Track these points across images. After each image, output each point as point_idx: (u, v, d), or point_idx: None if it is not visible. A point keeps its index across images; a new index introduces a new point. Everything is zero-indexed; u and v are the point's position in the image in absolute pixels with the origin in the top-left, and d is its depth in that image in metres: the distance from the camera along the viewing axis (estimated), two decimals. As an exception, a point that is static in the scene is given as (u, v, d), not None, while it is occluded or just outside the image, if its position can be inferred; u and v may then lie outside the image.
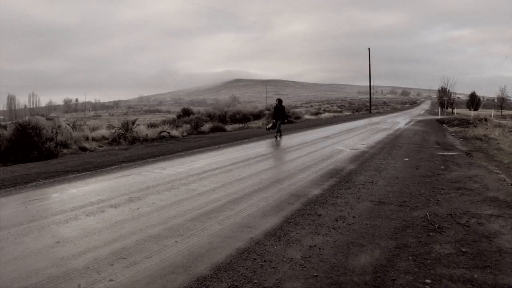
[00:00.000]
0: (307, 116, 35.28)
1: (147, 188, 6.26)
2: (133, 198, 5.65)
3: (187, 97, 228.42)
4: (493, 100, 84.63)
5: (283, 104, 14.91)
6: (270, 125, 15.34)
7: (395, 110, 70.59)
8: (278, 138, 14.10)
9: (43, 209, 5.15)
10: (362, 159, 9.31)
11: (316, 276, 3.24)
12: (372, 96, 59.45)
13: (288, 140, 14.27)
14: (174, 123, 21.09)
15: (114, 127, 15.96)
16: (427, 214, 4.91)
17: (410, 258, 3.60)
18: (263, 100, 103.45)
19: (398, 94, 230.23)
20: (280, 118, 14.39)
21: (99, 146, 12.77)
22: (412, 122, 26.66)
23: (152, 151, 11.11)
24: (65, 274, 3.22)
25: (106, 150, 12.07)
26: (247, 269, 3.35)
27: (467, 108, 66.04)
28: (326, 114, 42.99)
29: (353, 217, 4.79)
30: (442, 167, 8.37)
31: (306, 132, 18.21)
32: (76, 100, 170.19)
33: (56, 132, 11.63)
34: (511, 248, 3.81)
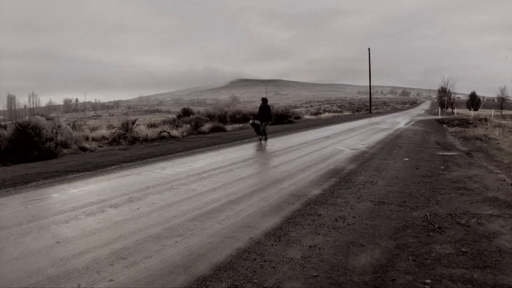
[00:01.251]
0: (307, 116, 35.29)
1: (147, 188, 6.26)
2: (133, 198, 5.65)
3: (187, 97, 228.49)
4: (493, 100, 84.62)
5: (269, 103, 14.21)
6: (251, 121, 14.78)
7: (395, 110, 70.63)
8: (263, 141, 13.28)
9: (43, 209, 5.14)
10: (362, 159, 9.31)
11: (316, 276, 3.24)
12: (372, 96, 59.49)
13: (288, 140, 14.27)
14: (174, 123, 21.04)
15: (114, 127, 15.96)
16: (427, 214, 4.91)
17: (410, 258, 3.60)
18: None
19: (398, 94, 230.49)
20: (266, 119, 13.74)
21: (99, 146, 12.78)
22: (412, 122, 26.66)
23: (152, 151, 11.11)
24: (65, 274, 3.22)
25: (106, 150, 12.07)
26: (247, 269, 3.35)
27: (467, 108, 66.05)
28: (326, 114, 43.06)
29: (353, 217, 4.79)
30: (442, 167, 8.37)
31: (306, 132, 18.21)
32: (76, 100, 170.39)
33: (56, 132, 11.63)
34: (511, 248, 3.81)
